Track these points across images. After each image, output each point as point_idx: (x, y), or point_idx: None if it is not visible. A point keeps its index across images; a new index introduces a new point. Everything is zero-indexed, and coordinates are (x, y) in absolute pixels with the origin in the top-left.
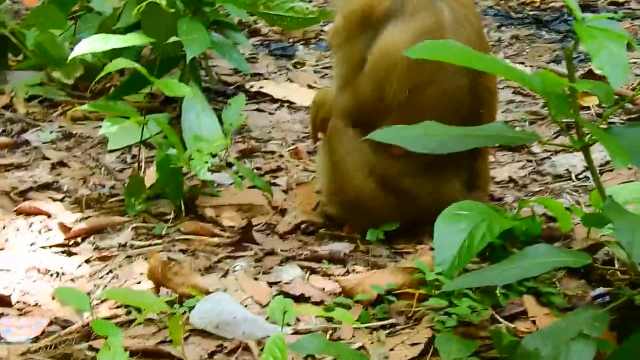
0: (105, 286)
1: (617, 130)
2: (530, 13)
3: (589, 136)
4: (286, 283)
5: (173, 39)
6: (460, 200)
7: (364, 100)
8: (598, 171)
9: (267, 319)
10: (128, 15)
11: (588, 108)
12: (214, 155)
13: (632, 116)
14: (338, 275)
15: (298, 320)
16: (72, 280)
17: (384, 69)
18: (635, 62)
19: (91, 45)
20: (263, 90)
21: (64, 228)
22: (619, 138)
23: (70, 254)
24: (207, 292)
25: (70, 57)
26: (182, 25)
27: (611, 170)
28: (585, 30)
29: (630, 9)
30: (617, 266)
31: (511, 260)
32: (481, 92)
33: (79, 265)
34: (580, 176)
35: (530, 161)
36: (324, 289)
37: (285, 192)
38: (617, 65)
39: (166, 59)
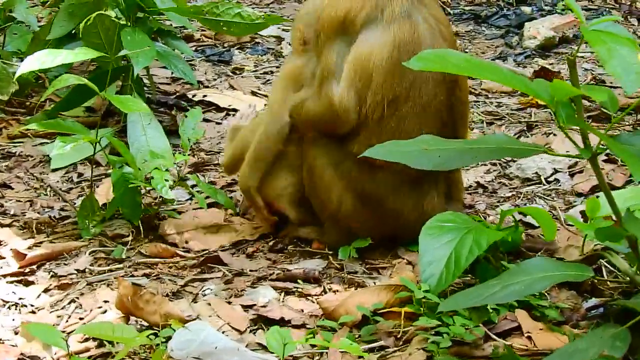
0: (69, 317)
1: (626, 139)
2: (467, 8)
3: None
4: (262, 306)
5: (124, 52)
6: (439, 212)
7: (342, 107)
8: (568, 173)
9: (247, 346)
10: (60, 26)
11: (545, 107)
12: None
13: (591, 114)
14: (315, 295)
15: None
16: (32, 312)
17: (361, 78)
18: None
19: (39, 61)
20: (207, 99)
21: (18, 255)
22: (630, 148)
23: (27, 283)
24: (182, 321)
25: (18, 74)
26: (126, 35)
27: (581, 172)
28: (594, 35)
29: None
30: (606, 276)
31: (510, 276)
32: (457, 105)
33: (38, 296)
34: (550, 179)
35: (495, 164)
36: (302, 311)
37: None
38: (630, 70)
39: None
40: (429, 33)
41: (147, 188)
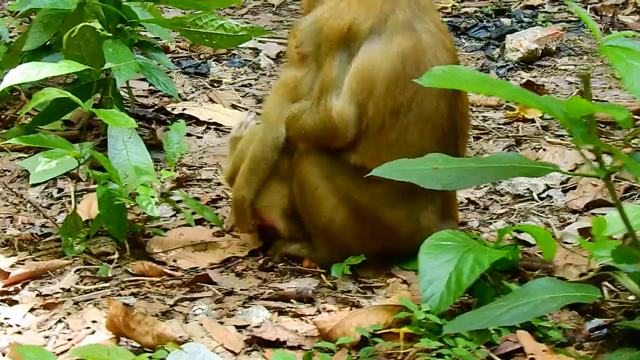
0: (57, 337)
1: None
2: (445, 20)
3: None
4: (256, 327)
5: (108, 64)
6: (435, 229)
7: (341, 120)
8: (560, 190)
9: None
10: (35, 37)
11: (532, 121)
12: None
13: None
14: (309, 315)
15: None
16: (19, 332)
17: (363, 89)
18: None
19: (23, 74)
20: (187, 112)
21: (1, 274)
22: None
23: (11, 302)
24: (175, 342)
25: (1, 87)
26: (107, 48)
27: (574, 188)
28: (611, 51)
29: (546, 12)
30: (607, 296)
31: (515, 297)
32: (458, 118)
33: (24, 315)
34: (542, 195)
35: None
36: (297, 332)
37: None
38: None
39: (88, 83)
40: (431, 43)
41: (132, 204)
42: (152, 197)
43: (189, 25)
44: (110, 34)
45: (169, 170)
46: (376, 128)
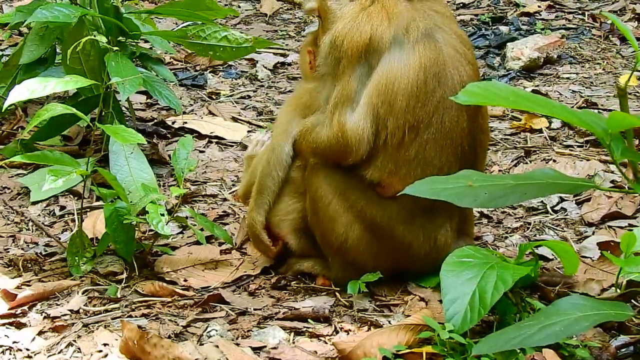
0: None
1: None
2: None
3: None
4: (273, 348)
5: (115, 79)
6: (452, 247)
7: (355, 137)
8: (574, 202)
9: None
10: (31, 50)
11: (540, 131)
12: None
13: (588, 138)
14: (327, 335)
15: None
16: (28, 357)
17: (383, 102)
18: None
19: (29, 90)
20: (187, 126)
21: (7, 296)
22: None
23: (19, 325)
24: None
25: (7, 103)
26: (110, 61)
27: (588, 200)
28: None
29: (543, 19)
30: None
31: (546, 316)
32: (478, 133)
33: (33, 339)
34: (556, 208)
35: None
36: (316, 352)
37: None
38: None
39: (88, 97)
40: (452, 55)
41: (138, 222)
42: (162, 215)
43: (192, 37)
44: (116, 48)
45: (173, 185)
46: (395, 143)
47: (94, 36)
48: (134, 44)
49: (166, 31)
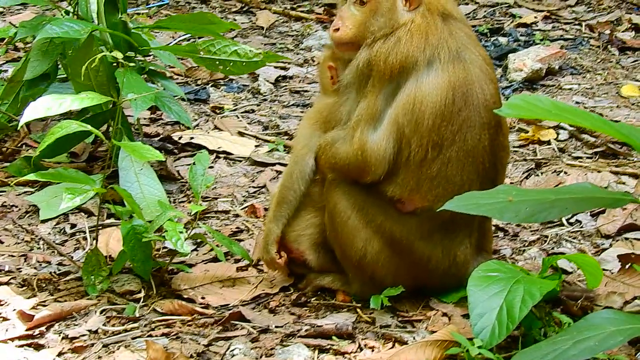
0: None
1: None
2: None
3: None
4: None
5: (131, 95)
6: (471, 264)
7: (375, 156)
8: (589, 214)
9: None
10: (34, 66)
11: (548, 142)
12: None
13: (597, 149)
14: (352, 352)
15: None
16: None
17: (409, 122)
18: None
19: (44, 107)
20: (194, 141)
21: (24, 316)
22: None
23: (37, 347)
24: None
25: (22, 122)
26: (121, 77)
27: (603, 212)
28: None
29: (540, 30)
30: None
31: (579, 331)
32: (499, 150)
33: None
34: (571, 221)
35: None
36: None
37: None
38: None
39: (97, 114)
40: (479, 75)
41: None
42: (181, 232)
43: (201, 52)
44: (132, 64)
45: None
46: (417, 160)
47: (110, 52)
48: (144, 59)
49: (176, 46)
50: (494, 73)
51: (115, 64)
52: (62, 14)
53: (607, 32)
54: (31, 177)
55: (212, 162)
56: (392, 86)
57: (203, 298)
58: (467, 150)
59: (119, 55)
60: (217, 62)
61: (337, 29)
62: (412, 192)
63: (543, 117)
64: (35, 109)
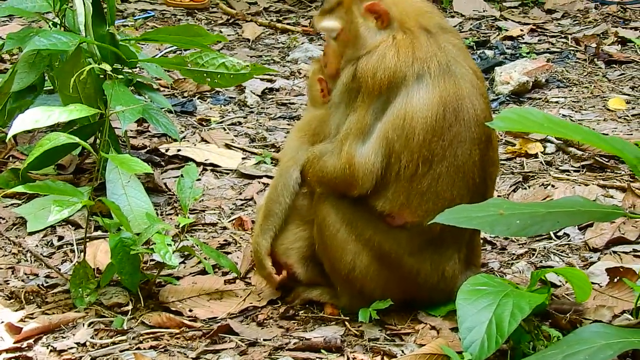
0: None
1: None
2: None
3: None
4: None
5: (119, 108)
6: (459, 278)
7: (363, 170)
8: (577, 227)
9: None
10: (21, 78)
11: (535, 156)
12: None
13: (584, 163)
14: None
15: None
16: None
17: (399, 137)
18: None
19: (32, 120)
20: (181, 153)
21: (13, 329)
22: None
23: (25, 359)
24: None
25: (11, 134)
26: (108, 89)
27: (591, 226)
28: None
29: (526, 43)
30: None
31: (569, 345)
32: (489, 166)
33: None
34: (559, 234)
35: None
36: None
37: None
38: None
39: (84, 126)
40: (469, 89)
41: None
42: (170, 245)
43: (189, 64)
44: (121, 76)
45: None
46: (408, 176)
47: (97, 64)
48: (131, 72)
49: (164, 58)
50: (484, 87)
51: (102, 76)
52: (49, 26)
53: (594, 45)
54: (19, 189)
55: (200, 175)
56: (381, 101)
57: (191, 311)
58: (457, 165)
59: (107, 67)
60: (205, 75)
61: (325, 65)
62: (402, 207)
63: (535, 131)
64: (24, 121)
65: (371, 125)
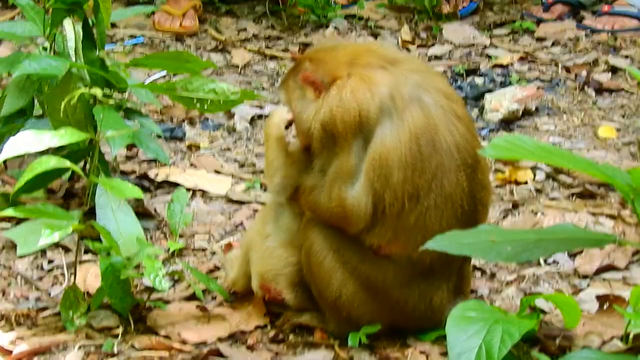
0: None
1: None
2: None
3: None
4: None
5: (110, 132)
6: (448, 307)
7: (356, 212)
8: (567, 254)
9: None
10: (10, 103)
11: (525, 183)
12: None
13: (574, 190)
14: None
15: None
16: None
17: (379, 177)
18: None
19: (24, 144)
20: (171, 179)
21: (3, 351)
22: None
23: None
24: None
25: (1, 159)
26: (98, 114)
27: (581, 252)
28: None
29: (517, 71)
30: None
31: None
32: (479, 191)
33: None
34: (549, 261)
35: None
36: None
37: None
38: None
39: (74, 151)
40: (442, 116)
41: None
42: (160, 269)
43: (179, 90)
44: (111, 102)
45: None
46: (394, 213)
47: (87, 88)
48: (122, 97)
49: (154, 84)
50: (462, 109)
51: (92, 101)
52: (39, 51)
53: (584, 73)
54: (9, 213)
55: (189, 200)
56: (359, 141)
57: (178, 334)
58: (445, 196)
59: (98, 92)
60: (195, 100)
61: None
62: (390, 242)
63: (526, 158)
64: (14, 146)
65: (356, 166)
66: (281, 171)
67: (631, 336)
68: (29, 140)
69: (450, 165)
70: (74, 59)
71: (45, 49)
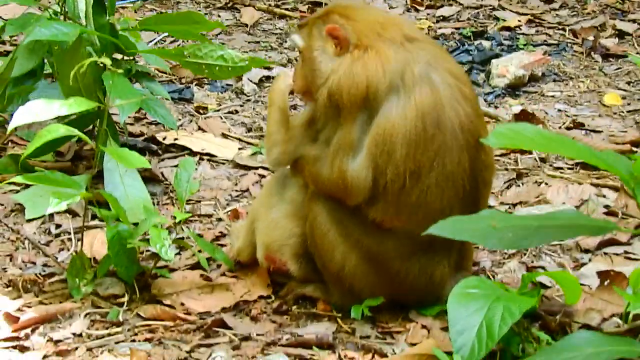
0: None
1: None
2: None
3: None
4: None
5: (118, 102)
6: (449, 282)
7: (356, 184)
8: None
9: None
10: (20, 64)
11: (530, 152)
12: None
13: (578, 160)
14: None
15: None
16: None
17: (382, 152)
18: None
19: (33, 113)
20: (178, 142)
21: (11, 318)
22: None
23: (22, 349)
24: None
25: (11, 127)
26: (107, 79)
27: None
28: None
29: (524, 34)
30: None
31: (557, 352)
32: (481, 171)
33: None
34: None
35: None
36: None
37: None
38: None
39: (83, 115)
40: (450, 96)
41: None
42: (165, 239)
43: (189, 56)
44: (120, 70)
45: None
46: (396, 190)
47: (97, 53)
48: (130, 62)
49: (163, 50)
50: (469, 89)
51: (102, 65)
52: (50, 15)
53: (591, 38)
54: (17, 179)
55: (197, 164)
56: (364, 115)
57: (182, 304)
58: (446, 174)
59: (107, 62)
60: (204, 67)
61: (294, 80)
62: (392, 218)
63: (529, 147)
64: (24, 114)
65: (359, 140)
66: (279, 147)
67: (631, 316)
68: (38, 108)
69: (452, 145)
70: (84, 23)
71: (56, 13)
